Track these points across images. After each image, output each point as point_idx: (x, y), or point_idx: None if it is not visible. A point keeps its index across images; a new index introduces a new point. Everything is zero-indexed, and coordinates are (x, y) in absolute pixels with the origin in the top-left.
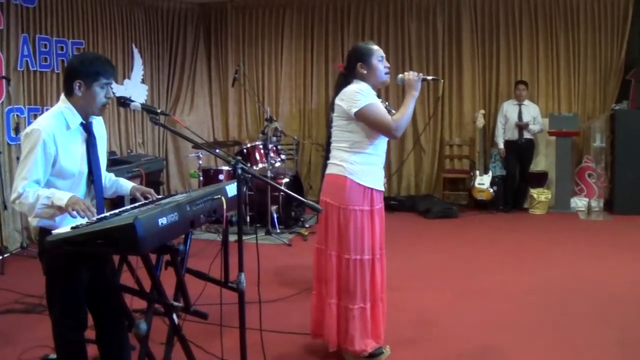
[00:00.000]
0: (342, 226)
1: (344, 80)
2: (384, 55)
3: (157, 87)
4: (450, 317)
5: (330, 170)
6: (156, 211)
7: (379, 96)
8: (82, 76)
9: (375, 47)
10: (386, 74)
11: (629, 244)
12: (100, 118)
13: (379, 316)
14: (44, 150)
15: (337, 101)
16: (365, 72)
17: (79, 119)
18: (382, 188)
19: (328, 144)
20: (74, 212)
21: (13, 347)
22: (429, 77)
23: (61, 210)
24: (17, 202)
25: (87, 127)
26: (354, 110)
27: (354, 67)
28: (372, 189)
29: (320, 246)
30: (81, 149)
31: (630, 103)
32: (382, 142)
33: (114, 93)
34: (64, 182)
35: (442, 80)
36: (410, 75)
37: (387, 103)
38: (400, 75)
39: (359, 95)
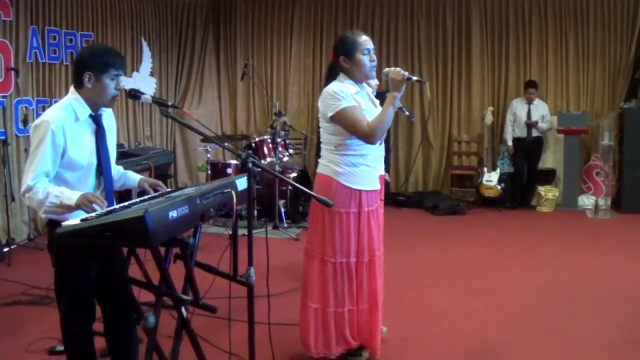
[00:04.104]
0: (327, 228)
1: (330, 73)
2: (371, 47)
3: (165, 80)
4: (457, 314)
5: (319, 169)
6: (166, 204)
7: (386, 91)
8: (91, 68)
9: (362, 39)
10: (372, 68)
11: (636, 242)
12: (110, 110)
13: (375, 321)
14: (53, 142)
15: (318, 102)
16: (348, 66)
17: (88, 111)
18: (376, 187)
19: (319, 142)
20: (87, 209)
21: (19, 338)
22: (414, 78)
23: (70, 209)
24: (27, 196)
25: (96, 119)
26: (329, 114)
27: (338, 60)
28: (360, 191)
29: (307, 247)
30: (90, 141)
31: (639, 102)
32: None
33: (123, 85)
34: (73, 174)
35: (427, 83)
36: (394, 74)
37: (400, 103)
38: (385, 70)
39: (334, 98)
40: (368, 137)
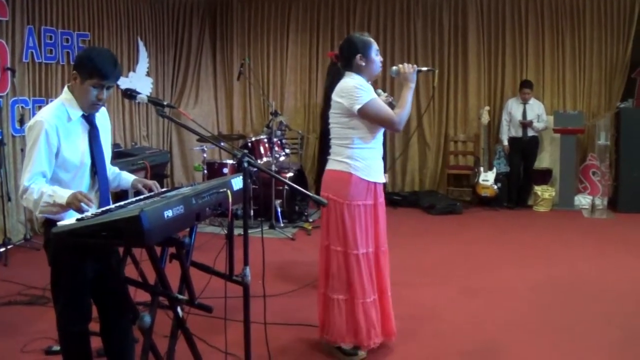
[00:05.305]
0: (347, 222)
1: (337, 71)
2: (378, 48)
3: (162, 80)
4: (453, 313)
5: (332, 166)
6: (162, 204)
7: (383, 89)
8: (79, 68)
9: (372, 40)
10: (380, 67)
11: (632, 242)
12: (104, 110)
13: (388, 308)
14: (47, 142)
15: (336, 98)
16: (363, 64)
17: (80, 111)
18: (384, 180)
19: (327, 139)
20: (75, 208)
21: (16, 339)
22: (424, 69)
23: (63, 208)
24: (24, 198)
25: (88, 119)
26: (357, 107)
27: (350, 58)
28: (375, 183)
29: (326, 242)
30: (83, 141)
31: (635, 101)
32: (380, 134)
33: (119, 87)
34: (67, 174)
35: (436, 71)
36: (406, 68)
37: (391, 97)
38: (394, 68)
39: (359, 91)
40: (396, 124)
